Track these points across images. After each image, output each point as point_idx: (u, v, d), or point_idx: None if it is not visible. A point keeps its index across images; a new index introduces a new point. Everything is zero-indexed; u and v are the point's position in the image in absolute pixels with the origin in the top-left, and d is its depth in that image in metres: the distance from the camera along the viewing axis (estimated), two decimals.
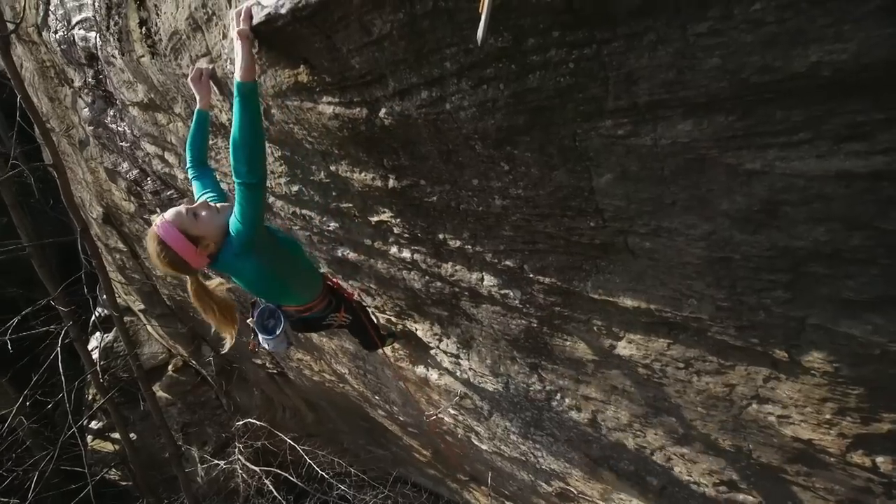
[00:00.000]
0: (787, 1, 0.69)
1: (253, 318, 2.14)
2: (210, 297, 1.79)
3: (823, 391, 1.36)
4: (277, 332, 2.06)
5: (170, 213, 1.63)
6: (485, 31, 0.80)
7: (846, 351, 1.21)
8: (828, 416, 1.43)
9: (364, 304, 2.68)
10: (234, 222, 1.57)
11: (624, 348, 1.74)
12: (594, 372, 1.98)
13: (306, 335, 4.19)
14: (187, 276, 1.72)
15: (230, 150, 1.43)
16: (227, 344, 1.87)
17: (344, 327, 2.37)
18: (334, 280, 2.32)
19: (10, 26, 3.81)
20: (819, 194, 0.89)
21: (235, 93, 1.40)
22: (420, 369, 3.05)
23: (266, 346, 2.17)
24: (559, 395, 2.30)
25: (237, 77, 1.40)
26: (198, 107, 1.89)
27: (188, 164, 1.94)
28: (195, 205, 1.67)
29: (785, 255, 1.08)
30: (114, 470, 8.29)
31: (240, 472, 6.37)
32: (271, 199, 2.56)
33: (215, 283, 1.85)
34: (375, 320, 2.73)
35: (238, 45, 1.37)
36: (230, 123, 2.28)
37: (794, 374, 1.39)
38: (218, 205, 1.70)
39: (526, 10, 0.87)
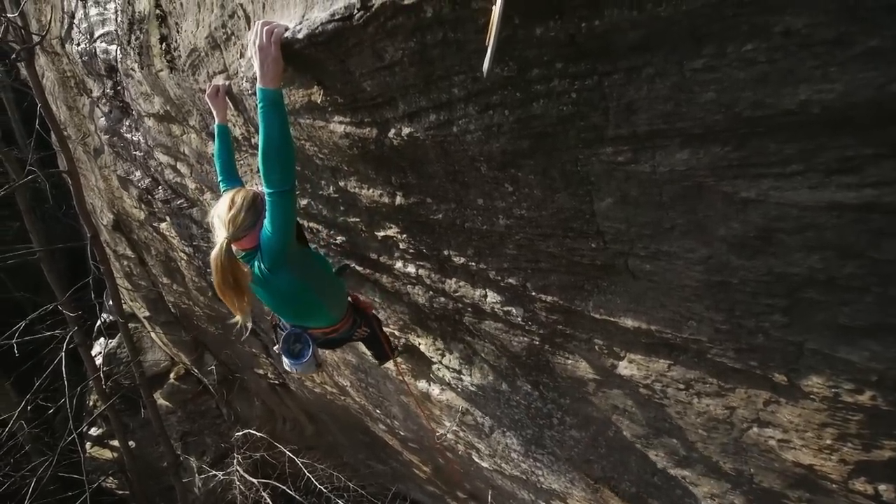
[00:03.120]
0: (777, 43, 0.73)
1: (278, 343, 2.09)
2: (234, 267, 1.57)
3: (823, 416, 1.37)
4: (307, 357, 2.01)
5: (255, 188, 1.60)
6: (491, 61, 0.84)
7: (845, 376, 1.22)
8: (828, 442, 1.43)
9: (378, 314, 2.66)
10: (265, 234, 1.53)
11: (625, 368, 1.76)
12: (595, 391, 1.98)
13: None
14: (221, 237, 1.55)
15: (260, 159, 1.42)
16: (242, 322, 1.68)
17: (362, 340, 2.34)
18: (353, 294, 2.26)
19: (36, 38, 3.93)
20: (812, 223, 0.92)
21: (262, 100, 1.38)
22: (422, 384, 3.06)
23: (294, 371, 2.12)
24: (560, 413, 2.30)
25: (262, 84, 1.38)
26: (216, 122, 1.91)
27: (219, 178, 1.94)
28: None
29: (781, 281, 1.10)
30: (111, 478, 8.24)
31: (238, 483, 6.32)
32: None
33: (242, 263, 1.69)
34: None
35: (263, 55, 1.35)
36: (242, 138, 2.35)
37: (793, 399, 1.40)
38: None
39: (530, 43, 0.92)
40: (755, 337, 1.26)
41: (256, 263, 1.60)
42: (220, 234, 1.56)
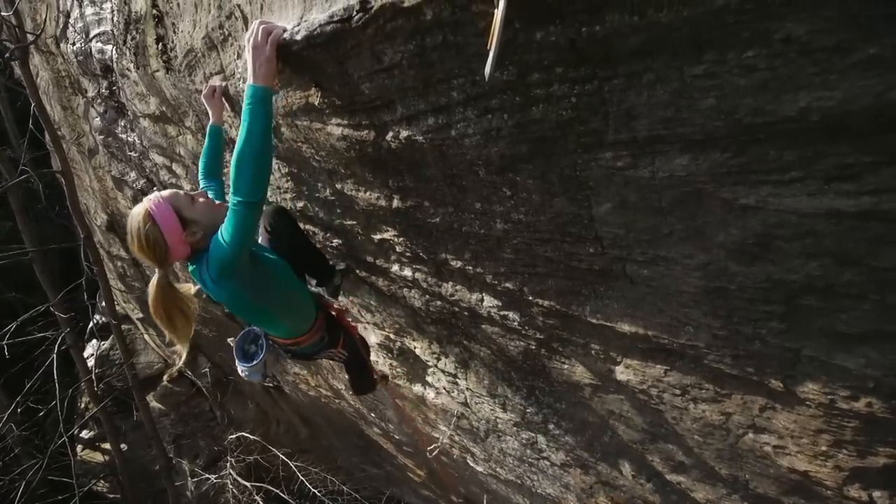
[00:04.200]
0: (777, 50, 0.73)
1: (235, 338, 1.95)
2: (176, 298, 1.56)
3: (819, 422, 1.37)
4: (255, 362, 1.86)
5: (166, 192, 1.51)
6: (492, 66, 0.84)
7: (841, 383, 1.22)
8: (823, 448, 1.43)
9: (367, 341, 2.44)
10: (217, 242, 1.42)
11: (621, 373, 1.75)
12: (591, 396, 1.98)
13: None
14: (156, 269, 1.53)
15: (233, 161, 1.32)
16: (182, 359, 1.68)
17: (340, 362, 2.17)
18: (336, 308, 2.08)
19: (30, 37, 3.91)
20: (811, 231, 0.92)
21: (249, 97, 1.30)
22: (417, 388, 3.05)
23: (241, 373, 1.95)
24: (556, 417, 2.29)
25: (252, 81, 1.31)
26: (210, 122, 1.89)
27: (200, 175, 1.93)
28: (196, 192, 1.59)
29: (779, 288, 1.10)
30: (102, 481, 8.15)
31: (231, 487, 6.27)
32: None
33: (187, 286, 1.67)
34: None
35: (256, 54, 1.29)
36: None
37: (789, 405, 1.40)
38: (217, 202, 1.60)
39: (531, 48, 0.92)
40: (752, 343, 1.26)
41: (202, 269, 1.49)
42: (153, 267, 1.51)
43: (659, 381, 1.65)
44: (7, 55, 4.02)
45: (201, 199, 1.57)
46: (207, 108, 1.88)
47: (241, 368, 1.93)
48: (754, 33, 0.74)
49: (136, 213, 1.47)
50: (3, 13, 3.83)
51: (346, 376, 2.45)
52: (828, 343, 1.16)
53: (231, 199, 1.36)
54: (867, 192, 0.82)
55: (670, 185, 1.03)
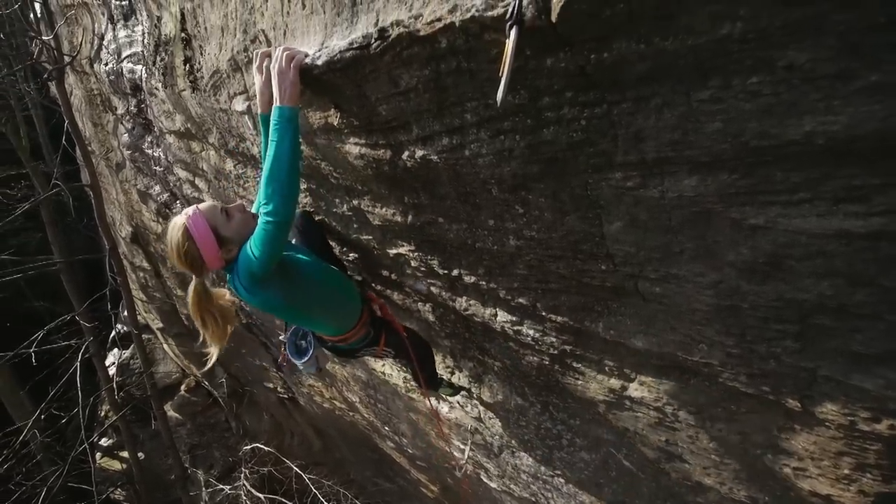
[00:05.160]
0: (780, 77, 0.75)
1: (286, 334, 2.05)
2: (211, 304, 1.63)
3: (840, 445, 1.34)
4: (307, 357, 1.95)
5: (204, 206, 1.53)
6: (504, 91, 0.88)
7: (860, 404, 1.20)
8: (846, 472, 1.39)
9: (420, 337, 2.39)
10: (246, 254, 1.47)
11: (636, 390, 1.74)
12: (606, 413, 1.96)
13: None
14: (193, 277, 1.59)
15: (263, 181, 1.38)
16: (213, 359, 1.71)
17: (390, 357, 2.18)
18: (380, 302, 2.07)
19: (67, 58, 4.11)
20: (821, 251, 0.93)
21: (277, 118, 1.36)
22: (431, 402, 3.05)
23: (298, 366, 2.06)
24: (570, 434, 2.28)
25: (280, 103, 1.36)
26: (259, 111, 1.67)
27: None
28: (232, 205, 1.59)
29: (792, 307, 1.10)
30: (119, 489, 8.26)
31: (244, 498, 6.29)
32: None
33: (222, 291, 1.71)
34: (434, 362, 2.44)
35: (281, 78, 1.35)
36: (259, 156, 2.40)
37: (808, 426, 1.37)
38: (254, 212, 1.59)
39: (542, 73, 0.95)
40: (767, 362, 1.25)
41: (234, 277, 1.55)
42: (189, 273, 1.56)
43: (674, 398, 1.63)
44: (45, 75, 4.25)
45: (238, 215, 1.57)
46: (256, 85, 1.56)
47: (298, 365, 2.01)
48: (758, 61, 0.76)
49: (175, 228, 1.50)
50: (43, 37, 4.05)
51: (422, 377, 2.39)
52: (844, 363, 1.15)
53: (261, 217, 1.41)
54: (877, 213, 0.83)
55: (680, 205, 1.04)
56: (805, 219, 0.90)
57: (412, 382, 3.09)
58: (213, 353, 1.69)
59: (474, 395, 2.62)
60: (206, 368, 2.04)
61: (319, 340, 1.97)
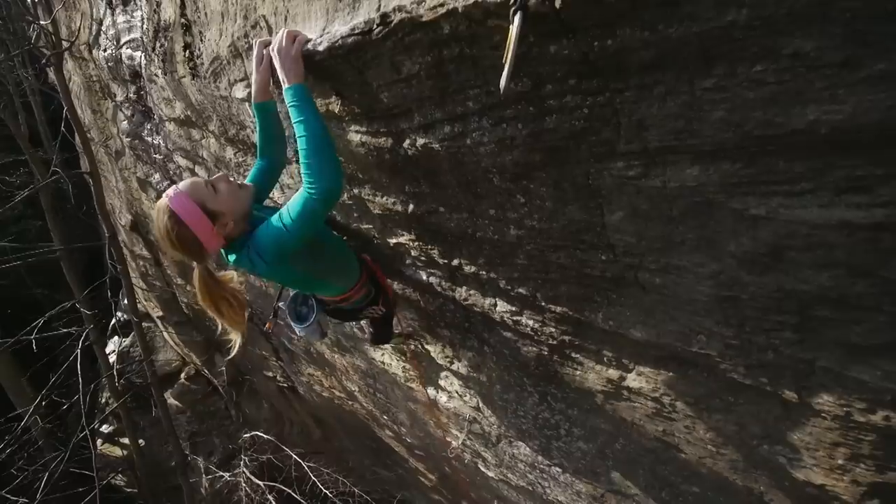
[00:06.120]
0: (785, 64, 0.74)
1: (284, 302, 1.97)
2: (221, 289, 1.53)
3: (835, 435, 1.35)
4: (310, 322, 1.88)
5: (185, 183, 1.41)
6: (507, 79, 0.87)
7: (857, 395, 1.21)
8: (840, 462, 1.41)
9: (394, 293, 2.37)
10: (275, 227, 1.37)
11: (634, 380, 1.75)
12: (604, 403, 1.98)
13: (318, 351, 4.25)
14: (195, 263, 1.49)
15: (303, 161, 1.30)
16: (236, 346, 1.62)
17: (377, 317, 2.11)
18: (375, 266, 2.05)
19: (65, 44, 4.08)
20: (822, 242, 0.93)
21: (293, 97, 1.31)
22: (430, 391, 3.07)
23: (299, 334, 1.99)
24: (568, 424, 2.29)
25: (288, 83, 1.32)
26: (253, 98, 1.64)
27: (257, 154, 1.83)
28: (214, 177, 1.48)
29: (792, 298, 1.10)
30: (120, 475, 8.35)
31: (244, 485, 6.36)
32: None
33: (228, 274, 1.61)
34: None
35: (284, 56, 1.32)
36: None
37: (804, 417, 1.38)
38: (240, 180, 1.52)
39: (545, 60, 0.95)
40: (765, 353, 1.26)
41: (249, 254, 1.44)
42: (190, 260, 1.47)
43: (671, 389, 1.64)
44: (43, 61, 4.21)
45: (224, 186, 1.46)
46: (253, 74, 1.58)
47: (298, 330, 1.92)
48: (763, 48, 0.76)
49: (160, 213, 1.38)
50: (41, 21, 4.01)
51: (371, 330, 2.38)
52: (842, 354, 1.15)
53: (306, 191, 1.31)
54: (879, 203, 0.83)
55: (681, 195, 1.04)
56: (807, 209, 0.90)
57: (411, 372, 3.11)
58: (236, 339, 1.61)
59: (450, 369, 2.62)
60: (231, 356, 1.99)
61: (320, 304, 1.90)
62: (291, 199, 1.37)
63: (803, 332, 1.15)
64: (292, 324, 1.93)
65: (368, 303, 1.96)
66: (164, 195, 1.40)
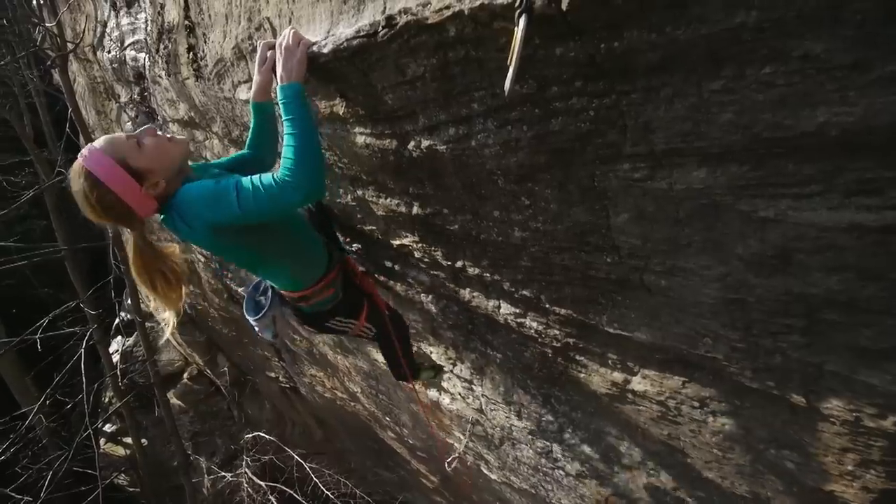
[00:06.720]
0: (795, 66, 0.74)
1: (247, 287, 1.78)
2: (159, 261, 1.36)
3: (844, 441, 1.34)
4: (261, 315, 1.66)
5: (102, 139, 1.22)
6: (512, 81, 0.87)
7: (866, 400, 1.20)
8: (850, 468, 1.39)
9: (402, 318, 2.16)
10: (222, 189, 1.21)
11: (638, 383, 1.74)
12: (608, 406, 1.97)
13: (320, 352, 4.25)
14: (127, 231, 1.33)
15: (283, 160, 1.23)
16: (169, 326, 1.44)
17: (367, 338, 1.91)
18: (359, 271, 1.83)
19: (70, 46, 4.10)
20: (831, 244, 0.92)
21: (287, 95, 1.24)
22: (432, 393, 3.07)
23: (254, 327, 1.74)
24: (571, 427, 2.28)
25: (286, 80, 1.25)
26: (252, 98, 1.58)
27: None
28: (138, 130, 1.30)
29: (800, 301, 1.09)
30: (123, 475, 8.37)
31: (246, 486, 6.37)
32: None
33: (171, 247, 1.45)
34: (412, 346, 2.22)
35: (288, 55, 1.28)
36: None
37: (812, 421, 1.37)
38: (168, 134, 1.34)
39: (551, 62, 0.94)
40: (773, 357, 1.25)
41: (174, 217, 1.29)
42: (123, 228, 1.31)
43: (677, 392, 1.63)
44: (48, 63, 4.23)
45: (150, 140, 1.27)
46: (255, 75, 1.52)
47: (251, 322, 1.71)
48: (772, 50, 0.75)
49: (75, 176, 1.20)
50: (46, 23, 4.03)
51: (384, 361, 2.15)
52: (851, 358, 1.14)
53: (282, 173, 1.19)
54: (890, 206, 0.82)
55: (688, 197, 1.04)
56: (816, 212, 0.89)
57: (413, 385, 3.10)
58: (170, 319, 1.43)
59: (453, 372, 2.59)
60: (164, 338, 1.81)
61: (281, 300, 1.68)
62: (254, 174, 1.23)
63: (811, 336, 1.14)
64: (248, 314, 1.71)
65: (342, 313, 1.73)
66: (78, 155, 1.23)
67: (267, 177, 1.22)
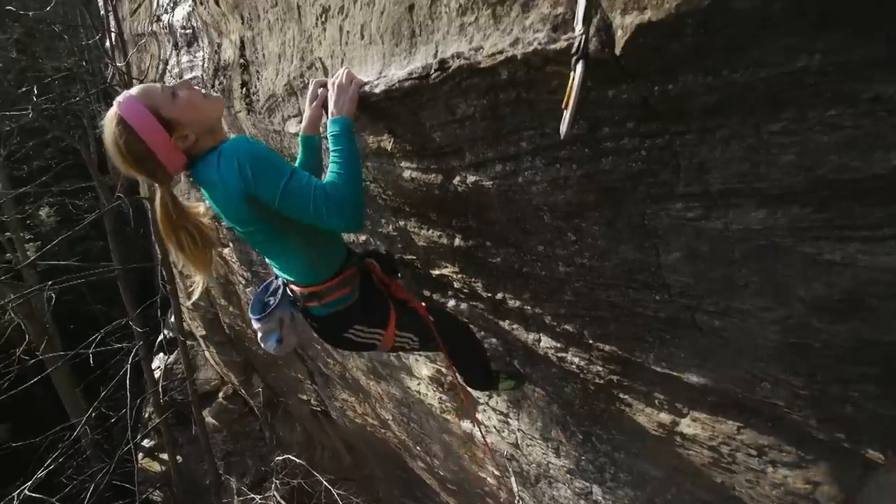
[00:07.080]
0: (864, 109, 0.72)
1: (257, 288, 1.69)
2: (184, 218, 1.34)
3: None
4: (265, 314, 1.54)
5: (137, 87, 1.24)
6: (569, 125, 0.88)
7: None
8: None
9: (456, 319, 1.97)
10: (280, 162, 1.21)
11: (688, 426, 1.66)
12: (654, 448, 1.88)
13: (353, 377, 4.26)
14: (156, 185, 1.32)
15: (331, 185, 1.26)
16: (198, 289, 1.40)
17: (414, 350, 1.74)
18: (385, 277, 1.69)
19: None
20: None
21: (334, 127, 1.30)
22: (466, 424, 3.01)
23: (257, 333, 1.61)
24: (614, 468, 2.18)
25: (336, 114, 1.32)
26: (301, 132, 1.59)
27: None
28: (176, 83, 1.29)
29: (873, 348, 1.02)
30: (157, 491, 8.53)
31: None
32: None
33: (196, 206, 1.42)
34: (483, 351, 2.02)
35: (340, 91, 1.34)
36: None
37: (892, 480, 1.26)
38: (205, 90, 1.33)
39: (603, 104, 0.95)
40: (843, 406, 1.17)
41: (217, 161, 1.25)
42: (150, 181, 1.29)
43: (731, 438, 1.54)
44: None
45: (182, 92, 1.26)
46: (306, 110, 1.57)
47: (254, 325, 1.59)
48: (837, 93, 0.73)
49: (108, 121, 1.21)
50: (117, 63, 4.41)
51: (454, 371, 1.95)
52: None
53: (328, 196, 1.22)
54: None
55: (745, 238, 1.00)
56: (890, 256, 0.84)
57: (448, 403, 3.07)
58: (199, 281, 1.39)
59: (488, 404, 2.50)
60: (192, 300, 1.63)
61: (291, 302, 1.57)
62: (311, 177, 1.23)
63: (888, 386, 1.06)
64: (251, 316, 1.60)
65: (363, 321, 1.57)
66: (114, 102, 1.23)
67: (322, 185, 1.23)
